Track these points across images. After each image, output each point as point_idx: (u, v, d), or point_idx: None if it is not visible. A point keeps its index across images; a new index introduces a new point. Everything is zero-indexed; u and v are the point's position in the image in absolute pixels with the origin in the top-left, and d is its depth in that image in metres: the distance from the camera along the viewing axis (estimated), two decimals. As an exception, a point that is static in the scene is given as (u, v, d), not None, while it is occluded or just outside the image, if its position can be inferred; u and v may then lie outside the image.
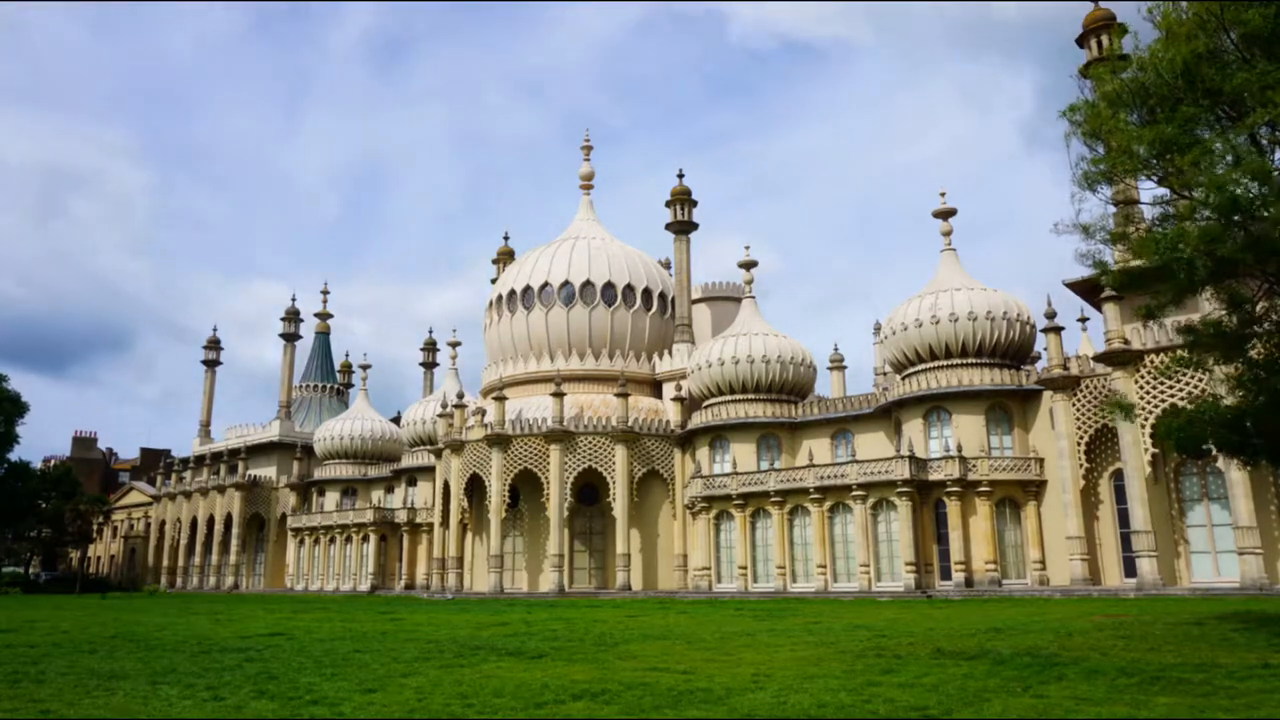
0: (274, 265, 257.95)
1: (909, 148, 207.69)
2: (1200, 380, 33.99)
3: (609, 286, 61.74)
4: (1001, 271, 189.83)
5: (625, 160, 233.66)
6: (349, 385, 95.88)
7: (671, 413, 57.06)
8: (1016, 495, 44.07)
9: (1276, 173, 14.90)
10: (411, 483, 72.41)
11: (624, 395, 55.22)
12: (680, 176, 64.01)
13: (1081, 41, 43.76)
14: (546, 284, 62.03)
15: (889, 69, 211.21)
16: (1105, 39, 42.12)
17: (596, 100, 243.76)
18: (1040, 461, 44.12)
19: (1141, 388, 38.05)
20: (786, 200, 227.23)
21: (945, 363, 46.22)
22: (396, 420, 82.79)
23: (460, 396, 63.17)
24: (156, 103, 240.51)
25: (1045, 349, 44.42)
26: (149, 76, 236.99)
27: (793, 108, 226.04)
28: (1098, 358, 40.65)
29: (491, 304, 65.44)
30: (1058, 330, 43.77)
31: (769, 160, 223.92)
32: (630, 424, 54.85)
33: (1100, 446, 41.99)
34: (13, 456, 76.52)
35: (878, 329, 61.02)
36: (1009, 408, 45.30)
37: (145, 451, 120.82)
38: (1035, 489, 44.02)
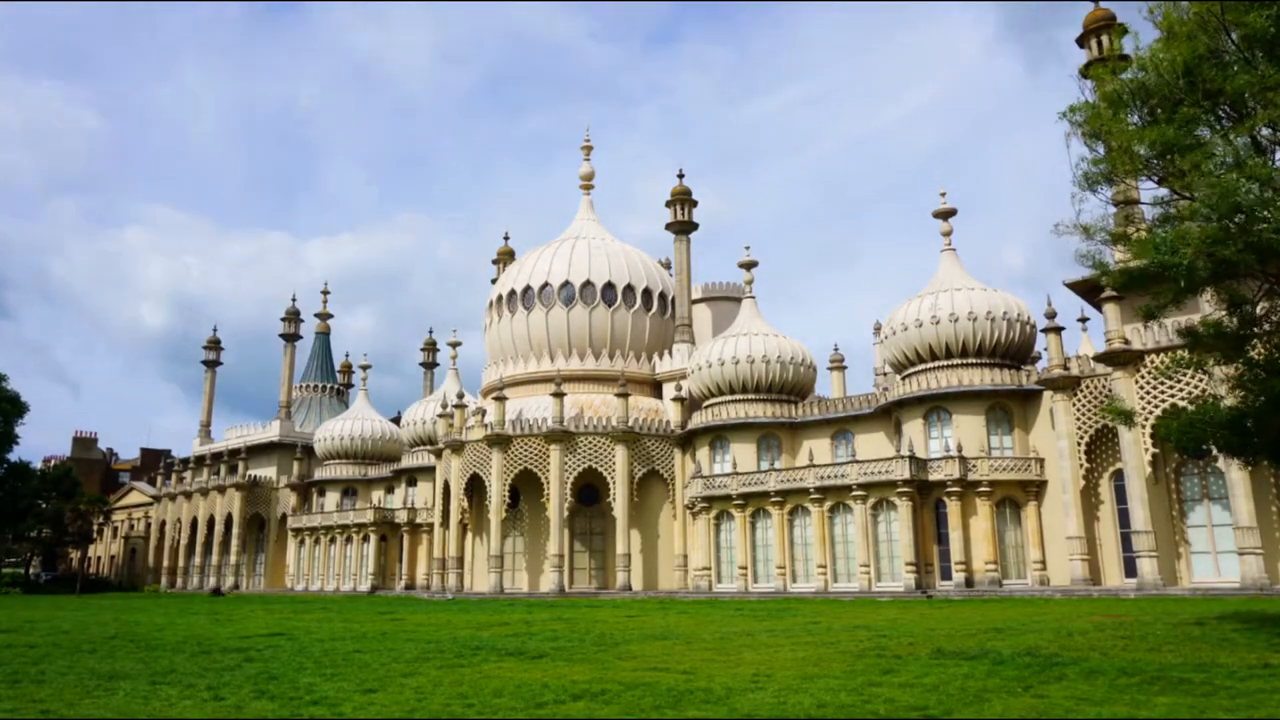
0: (141, 212, 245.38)
1: (881, 108, 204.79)
2: (1200, 381, 33.99)
3: (609, 286, 61.76)
4: (982, 233, 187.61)
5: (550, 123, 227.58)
6: (349, 385, 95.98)
7: (671, 413, 57.06)
8: (1017, 495, 44.07)
9: (1277, 174, 14.89)
10: (411, 483, 72.42)
11: (624, 395, 55.22)
12: (680, 177, 64.05)
13: (1082, 41, 43.75)
14: (546, 284, 62.04)
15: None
16: (1105, 39, 42.13)
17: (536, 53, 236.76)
18: (1040, 461, 44.11)
19: (1142, 388, 38.05)
20: (754, 164, 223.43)
21: (945, 363, 46.22)
22: (397, 420, 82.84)
23: (460, 397, 63.24)
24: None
25: (1045, 349, 44.42)
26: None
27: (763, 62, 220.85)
28: (1098, 358, 40.64)
29: (491, 304, 65.45)
30: (1058, 330, 43.76)
31: (734, 125, 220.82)
32: (630, 424, 54.85)
33: (1100, 446, 41.98)
34: (13, 457, 76.74)
35: (878, 329, 61.00)
36: (1009, 408, 45.30)
37: (145, 451, 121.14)
38: (1035, 489, 44.02)
